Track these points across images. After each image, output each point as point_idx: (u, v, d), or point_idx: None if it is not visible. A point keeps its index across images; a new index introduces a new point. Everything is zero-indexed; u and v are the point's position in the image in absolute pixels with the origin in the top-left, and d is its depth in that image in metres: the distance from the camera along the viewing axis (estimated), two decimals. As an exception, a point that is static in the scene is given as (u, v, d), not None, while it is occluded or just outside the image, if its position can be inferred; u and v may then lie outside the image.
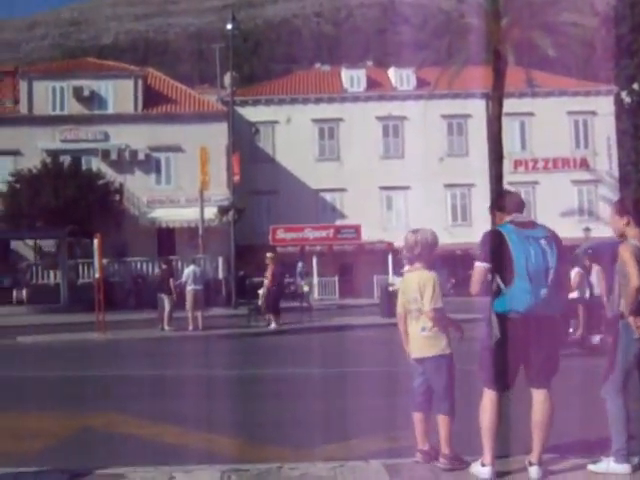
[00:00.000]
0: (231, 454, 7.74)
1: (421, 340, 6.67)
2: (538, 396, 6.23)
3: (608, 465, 6.28)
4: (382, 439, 8.19)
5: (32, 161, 39.66)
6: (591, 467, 6.36)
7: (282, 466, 6.73)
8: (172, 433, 8.97)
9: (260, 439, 8.54)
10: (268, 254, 25.10)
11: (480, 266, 6.29)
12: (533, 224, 6.38)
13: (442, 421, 6.55)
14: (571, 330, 15.59)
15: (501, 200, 6.77)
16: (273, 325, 23.53)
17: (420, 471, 6.49)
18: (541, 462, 6.19)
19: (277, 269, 24.37)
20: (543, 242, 6.11)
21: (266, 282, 24.17)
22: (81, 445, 8.54)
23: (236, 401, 11.23)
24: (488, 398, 6.28)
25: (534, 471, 6.15)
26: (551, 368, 6.26)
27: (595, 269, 15.83)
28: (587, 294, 15.98)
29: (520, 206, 6.55)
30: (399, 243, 43.22)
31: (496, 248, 6.20)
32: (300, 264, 37.89)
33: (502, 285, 6.14)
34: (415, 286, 6.68)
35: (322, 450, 7.70)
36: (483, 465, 6.23)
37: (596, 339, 15.31)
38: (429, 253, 6.77)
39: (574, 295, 15.58)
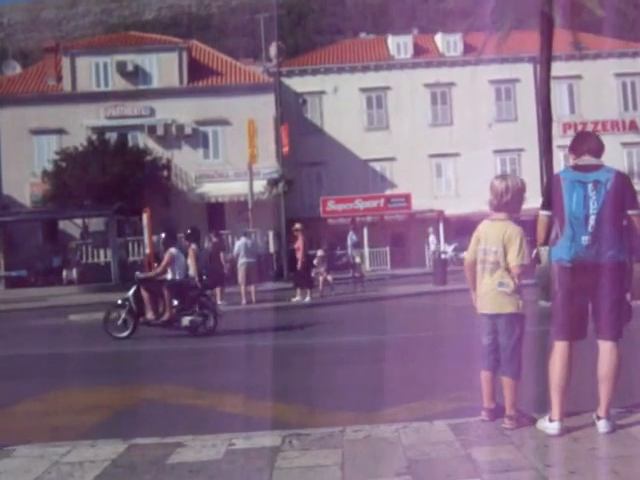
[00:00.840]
0: (292, 421, 7.56)
1: (497, 296, 6.36)
2: (604, 347, 6.03)
3: None
4: (444, 401, 8.07)
5: (77, 139, 39.57)
6: None
7: (344, 429, 6.58)
8: (229, 402, 8.85)
9: (320, 405, 8.43)
10: (296, 225, 24.56)
11: (541, 214, 6.19)
12: (595, 167, 5.99)
13: (507, 383, 6.36)
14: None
15: (574, 141, 6.40)
16: (307, 298, 23.01)
17: (486, 429, 6.33)
18: (609, 416, 5.99)
19: (306, 240, 23.85)
20: (590, 187, 5.84)
21: (299, 255, 23.59)
22: (138, 417, 8.45)
23: (293, 370, 11.06)
24: (557, 349, 6.11)
25: (602, 425, 5.96)
26: (615, 318, 5.98)
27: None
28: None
29: (593, 149, 6.16)
30: (450, 211, 42.87)
31: (554, 194, 6.03)
32: (352, 234, 37.41)
33: (559, 233, 6.00)
34: (498, 238, 6.33)
35: (384, 414, 7.58)
36: (551, 421, 6.05)
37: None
38: (518, 202, 6.41)
39: None
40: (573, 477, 4.96)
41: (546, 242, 6.17)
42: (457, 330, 14.03)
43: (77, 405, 9.17)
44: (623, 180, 5.94)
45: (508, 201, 6.36)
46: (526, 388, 6.62)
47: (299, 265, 23.65)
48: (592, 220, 5.79)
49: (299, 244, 23.64)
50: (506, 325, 6.31)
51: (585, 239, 5.81)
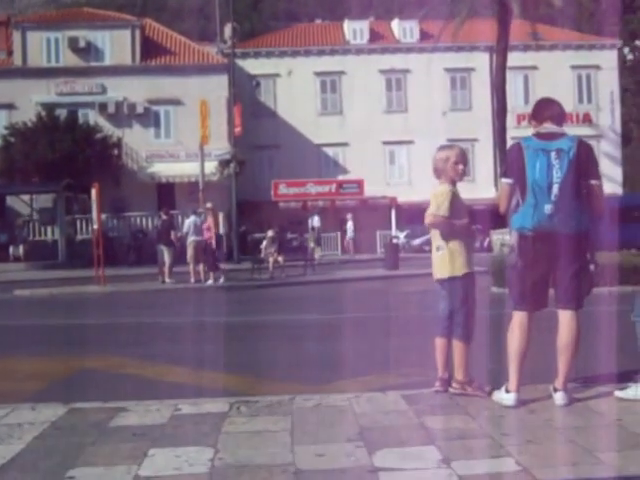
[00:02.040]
0: (239, 390, 7.49)
1: (436, 260, 6.42)
2: (563, 317, 5.97)
3: (637, 391, 5.95)
4: (397, 375, 8.04)
5: (27, 114, 38.85)
6: (618, 394, 6.06)
7: (294, 397, 6.54)
8: (174, 372, 8.82)
9: (269, 377, 8.41)
10: (208, 204, 24.28)
11: (503, 182, 6.13)
12: (558, 135, 5.93)
13: (456, 346, 6.33)
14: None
15: (536, 107, 6.34)
16: (210, 281, 22.48)
17: (440, 399, 6.28)
18: (566, 388, 5.96)
19: (216, 220, 23.51)
20: (553, 155, 5.78)
21: (206, 235, 22.94)
22: (80, 385, 8.37)
23: (241, 344, 11.01)
24: (516, 319, 6.03)
25: (559, 397, 5.91)
26: (576, 288, 5.93)
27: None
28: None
29: (556, 115, 6.12)
30: (403, 199, 42.91)
31: (515, 162, 5.95)
32: (316, 217, 37.35)
33: (520, 201, 5.89)
34: (431, 202, 6.36)
35: (335, 385, 7.53)
36: (507, 391, 5.99)
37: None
38: (453, 169, 6.38)
39: None
40: (530, 446, 4.91)
41: (507, 210, 6.07)
42: (409, 311, 14.17)
43: (18, 373, 9.09)
44: (586, 149, 5.91)
45: (443, 168, 6.38)
46: (480, 363, 6.62)
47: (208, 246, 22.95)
48: (555, 189, 5.73)
49: (209, 224, 23.21)
50: (448, 289, 6.32)
51: (548, 208, 5.75)
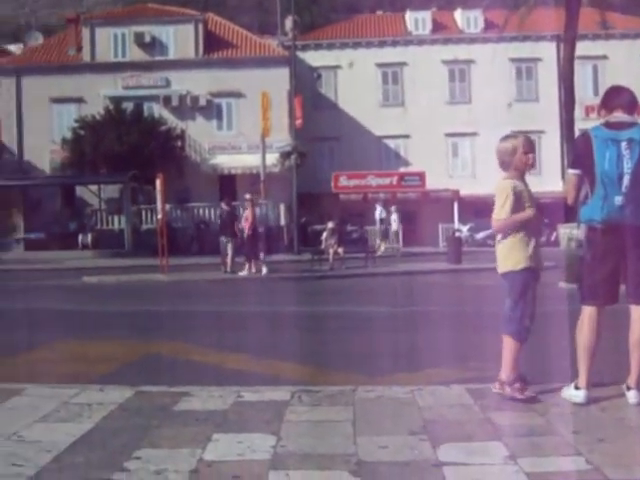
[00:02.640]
0: (299, 379, 7.49)
1: (498, 254, 6.19)
2: (636, 313, 5.71)
3: None
4: (462, 369, 7.86)
5: (95, 108, 39.61)
6: None
7: (356, 388, 6.50)
8: (236, 360, 8.88)
9: (329, 367, 8.39)
10: (247, 195, 24.28)
11: (570, 173, 5.89)
12: (629, 124, 5.70)
13: (507, 343, 6.01)
14: None
15: (606, 95, 6.07)
16: (244, 272, 22.45)
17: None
18: None
19: (255, 211, 23.45)
20: (623, 145, 5.57)
21: (246, 225, 22.88)
22: (146, 369, 8.52)
23: (302, 334, 11.05)
24: (585, 314, 5.80)
25: (632, 395, 5.66)
26: None
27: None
28: None
29: (626, 104, 5.86)
30: (465, 191, 42.32)
31: (583, 153, 5.75)
32: (379, 208, 37.11)
33: (589, 193, 5.70)
34: (496, 198, 6.12)
35: (396, 377, 7.45)
36: (577, 388, 5.77)
37: None
38: (522, 159, 6.08)
39: None
40: (601, 444, 4.75)
41: (576, 202, 5.87)
42: (472, 305, 14.00)
43: (87, 356, 9.33)
44: None
45: (509, 161, 6.12)
46: (549, 360, 6.47)
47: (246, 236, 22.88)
48: (626, 180, 5.55)
49: (247, 215, 23.27)
50: (507, 285, 6.08)
51: (618, 199, 5.56)
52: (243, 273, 22.37)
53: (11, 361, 8.95)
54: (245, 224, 22.89)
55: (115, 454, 4.74)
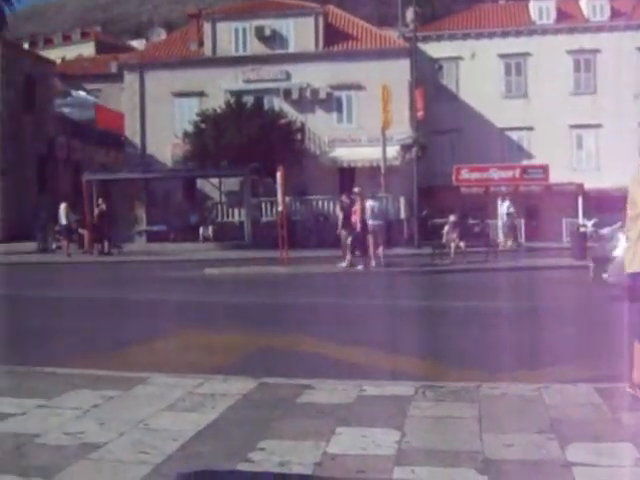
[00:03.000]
0: (422, 374, 7.43)
1: (627, 253, 5.95)
2: None
3: None
4: (589, 368, 7.58)
5: (216, 101, 40.20)
6: None
7: (480, 385, 6.43)
8: (357, 353, 8.85)
9: (452, 362, 8.30)
10: (355, 189, 23.94)
11: None
12: None
13: (637, 348, 5.75)
14: None
15: None
16: (344, 263, 22.23)
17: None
18: None
19: (364, 205, 23.09)
20: None
21: (355, 219, 22.62)
22: (267, 360, 8.61)
23: (422, 328, 11.01)
24: None
25: None
26: None
27: None
28: None
29: None
30: (590, 185, 40.83)
31: None
32: (506, 203, 36.48)
33: None
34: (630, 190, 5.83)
35: (520, 374, 7.28)
36: None
37: None
38: None
39: None
40: None
41: None
42: (600, 303, 13.46)
43: (210, 346, 9.50)
44: None
45: None
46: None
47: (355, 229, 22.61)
48: None
49: (357, 208, 23.03)
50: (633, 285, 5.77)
51: None
52: (359, 267, 22.31)
53: (136, 350, 9.16)
54: (354, 217, 22.85)
55: (240, 444, 4.77)
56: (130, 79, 43.70)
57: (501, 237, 34.85)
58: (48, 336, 10.38)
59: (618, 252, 13.50)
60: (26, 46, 70.08)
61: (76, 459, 4.52)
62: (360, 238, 22.50)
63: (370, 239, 22.64)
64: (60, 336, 10.43)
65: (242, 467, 4.36)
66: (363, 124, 41.14)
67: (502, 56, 46.75)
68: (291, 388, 6.36)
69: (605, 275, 14.38)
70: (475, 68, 46.32)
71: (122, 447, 4.75)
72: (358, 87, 41.70)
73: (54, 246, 32.94)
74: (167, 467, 4.36)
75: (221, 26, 43.58)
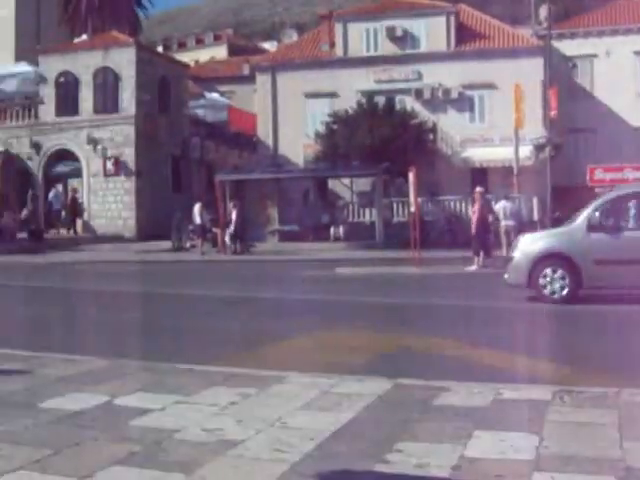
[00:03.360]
0: (559, 378, 7.31)
1: None
2: None
3: None
4: None
5: (348, 102, 40.35)
6: None
7: (620, 390, 6.24)
8: (491, 355, 8.77)
9: (589, 366, 8.13)
10: (477, 188, 23.36)
11: None
12: None
13: None
14: None
15: None
16: (474, 267, 21.71)
17: None
18: None
19: (484, 206, 22.51)
20: None
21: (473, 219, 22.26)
22: (400, 361, 8.60)
23: (555, 331, 10.95)
24: None
25: None
26: None
27: None
28: None
29: None
30: None
31: None
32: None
33: None
34: None
35: None
36: None
37: None
38: None
39: None
40: None
41: None
42: None
43: (343, 346, 9.58)
44: None
45: None
46: None
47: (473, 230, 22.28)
48: None
49: (475, 208, 22.51)
50: None
51: None
52: (473, 267, 21.93)
53: (271, 349, 9.30)
54: (473, 217, 22.54)
55: (376, 445, 4.77)
56: (262, 80, 44.42)
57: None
58: (184, 333, 10.66)
59: (516, 253, 14.47)
60: (160, 49, 72.15)
61: (215, 455, 4.62)
62: (481, 239, 22.23)
63: (504, 239, 22.34)
64: (196, 333, 10.69)
65: (379, 468, 4.36)
66: (495, 124, 40.57)
67: (638, 53, 45.23)
68: (426, 389, 6.33)
69: (506, 276, 14.49)
70: (610, 66, 44.93)
71: (260, 445, 4.82)
72: (490, 86, 41.12)
73: (188, 245, 33.81)
74: (304, 466, 4.40)
75: (352, 27, 43.77)
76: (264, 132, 44.20)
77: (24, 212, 37.15)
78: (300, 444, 4.79)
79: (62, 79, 41.50)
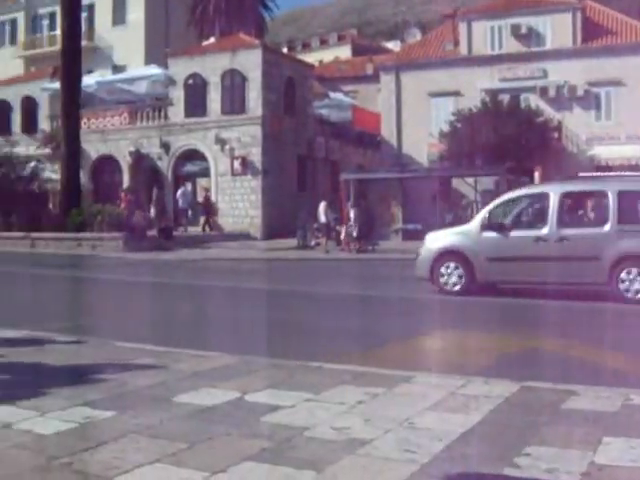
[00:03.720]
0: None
1: None
2: None
3: None
4: None
5: (472, 101, 40.08)
6: None
7: None
8: (618, 359, 8.63)
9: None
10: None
11: None
12: None
13: None
14: None
15: None
16: None
17: None
18: None
19: None
20: None
21: None
22: (526, 363, 8.52)
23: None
24: None
25: None
26: None
27: None
28: None
29: None
30: None
31: None
32: None
33: None
34: None
35: None
36: None
37: None
38: None
39: None
40: None
41: None
42: None
43: (469, 347, 9.65)
44: None
45: None
46: None
47: None
48: None
49: None
50: None
51: None
52: None
53: (396, 348, 9.37)
54: None
55: (505, 449, 4.78)
56: (386, 80, 44.53)
57: None
58: (309, 330, 10.81)
59: (422, 250, 16.41)
60: (284, 50, 73.01)
61: (344, 454, 4.69)
62: None
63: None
64: (320, 331, 10.83)
65: (508, 472, 4.37)
66: (622, 121, 39.51)
67: None
68: (554, 393, 6.28)
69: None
70: None
71: (388, 444, 4.88)
72: (618, 83, 40.04)
73: (313, 243, 34.20)
74: (433, 467, 4.44)
75: (477, 25, 43.44)
76: (388, 131, 44.30)
77: (152, 210, 38.31)
78: (429, 445, 4.84)
79: (191, 81, 42.57)
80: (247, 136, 41.00)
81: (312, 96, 47.14)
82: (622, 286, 13.87)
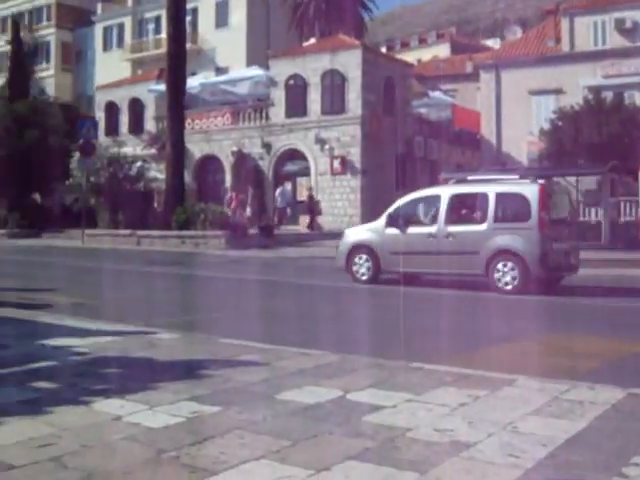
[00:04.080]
0: None
1: None
2: None
3: None
4: None
5: (574, 98, 39.43)
6: None
7: None
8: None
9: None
10: None
11: None
12: None
13: None
14: None
15: None
16: None
17: None
18: None
19: None
20: None
21: None
22: (632, 368, 8.40)
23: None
24: None
25: None
26: None
27: None
28: None
29: None
30: None
31: None
32: None
33: None
34: None
35: None
36: None
37: None
38: None
39: None
40: None
41: None
42: None
43: (573, 350, 9.48)
44: None
45: None
46: None
47: None
48: None
49: None
50: None
51: None
52: None
53: (498, 350, 9.32)
54: None
55: (611, 457, 4.71)
56: (486, 78, 44.18)
57: None
58: (406, 330, 10.77)
59: (340, 243, 18.88)
60: (384, 50, 72.90)
61: (447, 456, 4.69)
62: None
63: None
64: (417, 331, 10.80)
65: (616, 481, 4.32)
66: None
67: None
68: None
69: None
70: None
71: (492, 448, 4.85)
72: None
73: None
74: (538, 473, 4.41)
75: (579, 20, 42.80)
76: (488, 130, 43.94)
77: (248, 209, 38.88)
78: (532, 450, 4.80)
79: (291, 82, 43.01)
80: (347, 136, 41.19)
81: (411, 95, 47.06)
82: (496, 276, 15.97)
